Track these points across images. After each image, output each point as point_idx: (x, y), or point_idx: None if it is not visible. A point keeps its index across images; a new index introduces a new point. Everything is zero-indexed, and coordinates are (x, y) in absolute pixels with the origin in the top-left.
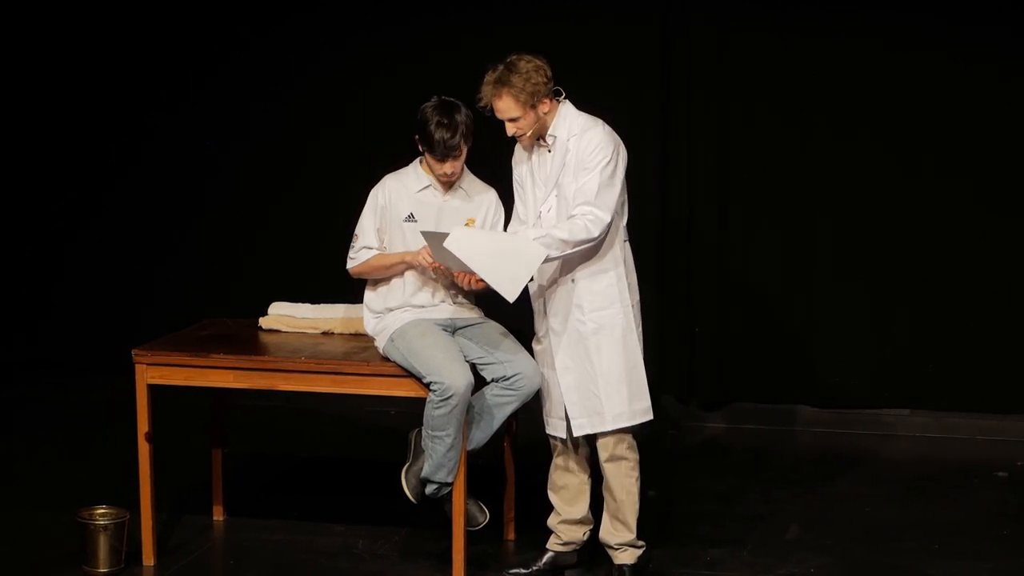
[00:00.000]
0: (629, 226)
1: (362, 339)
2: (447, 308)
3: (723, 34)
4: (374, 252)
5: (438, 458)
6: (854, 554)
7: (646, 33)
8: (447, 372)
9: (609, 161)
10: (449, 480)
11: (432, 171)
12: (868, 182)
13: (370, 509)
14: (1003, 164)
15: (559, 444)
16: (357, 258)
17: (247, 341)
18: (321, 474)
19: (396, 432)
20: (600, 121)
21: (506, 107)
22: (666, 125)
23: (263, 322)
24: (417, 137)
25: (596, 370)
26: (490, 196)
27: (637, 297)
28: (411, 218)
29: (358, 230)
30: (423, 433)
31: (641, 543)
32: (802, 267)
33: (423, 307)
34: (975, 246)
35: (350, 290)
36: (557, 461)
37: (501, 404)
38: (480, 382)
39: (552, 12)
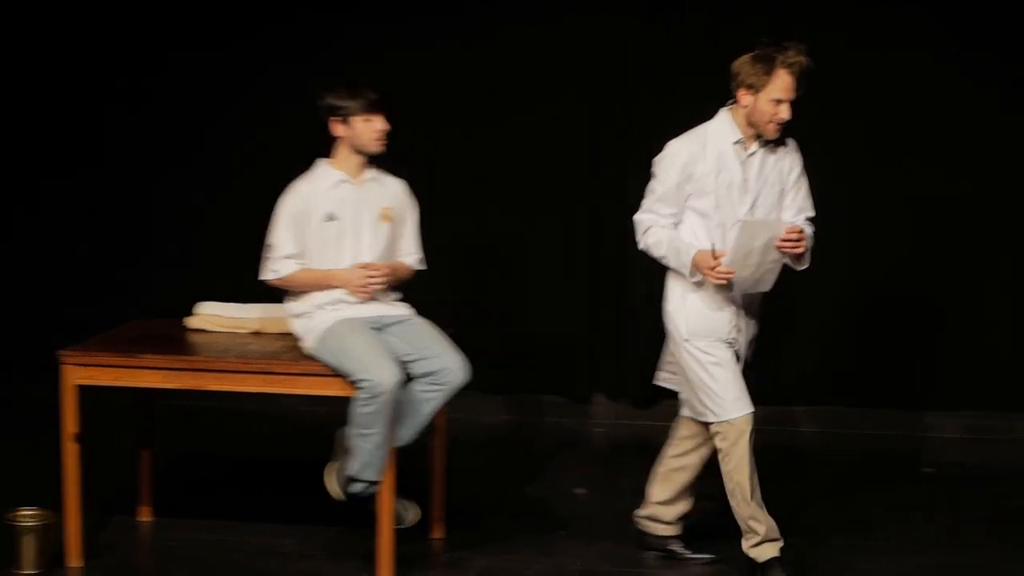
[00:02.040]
0: None
1: (291, 338)
2: (375, 305)
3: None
4: (295, 262)
5: (366, 456)
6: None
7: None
8: (376, 369)
9: None
10: (376, 479)
11: (363, 138)
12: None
13: (299, 508)
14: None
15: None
16: (280, 270)
17: (176, 341)
18: (250, 473)
19: (326, 431)
20: None
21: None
22: (596, 116)
23: (190, 322)
24: (336, 117)
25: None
26: (401, 185)
27: None
28: (331, 217)
29: (273, 240)
30: (350, 432)
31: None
32: None
33: (351, 304)
34: (907, 241)
35: (278, 290)
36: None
37: (428, 399)
38: (409, 380)
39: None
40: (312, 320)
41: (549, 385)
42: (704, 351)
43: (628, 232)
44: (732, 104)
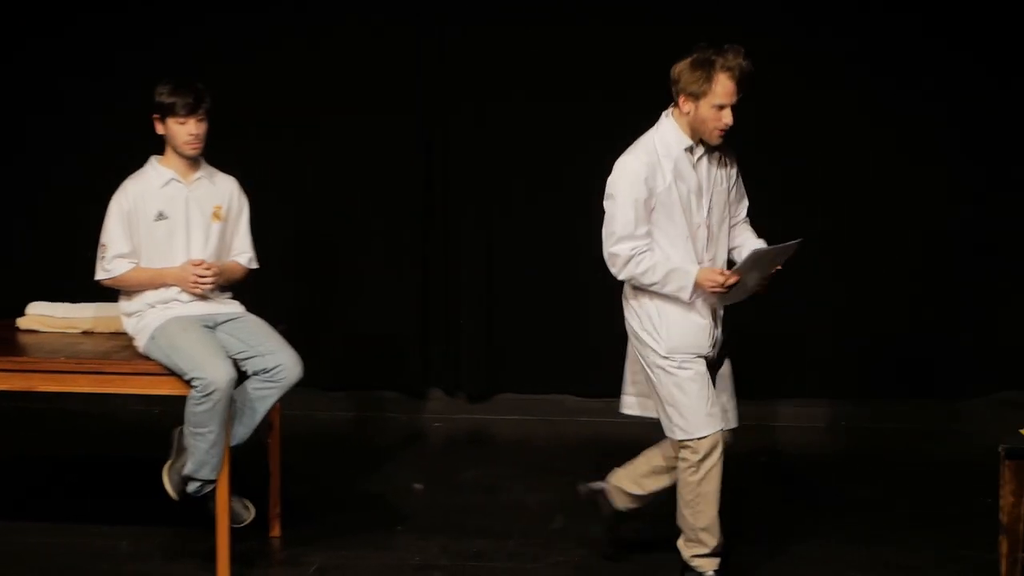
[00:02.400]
0: None
1: (123, 338)
2: (207, 304)
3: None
4: (128, 262)
5: (201, 455)
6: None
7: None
8: (209, 367)
9: None
10: (212, 477)
11: (176, 140)
12: None
13: (134, 509)
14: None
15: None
16: (112, 270)
17: (5, 342)
18: (84, 475)
19: (161, 431)
20: None
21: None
22: (424, 119)
23: (21, 323)
24: (156, 115)
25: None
26: (232, 183)
27: None
28: (161, 216)
29: (105, 240)
30: (185, 431)
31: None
32: (563, 262)
33: (183, 303)
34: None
35: (111, 289)
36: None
37: (263, 397)
38: (242, 378)
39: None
40: (144, 319)
41: (384, 381)
42: (682, 366)
43: (457, 227)
44: (673, 109)
